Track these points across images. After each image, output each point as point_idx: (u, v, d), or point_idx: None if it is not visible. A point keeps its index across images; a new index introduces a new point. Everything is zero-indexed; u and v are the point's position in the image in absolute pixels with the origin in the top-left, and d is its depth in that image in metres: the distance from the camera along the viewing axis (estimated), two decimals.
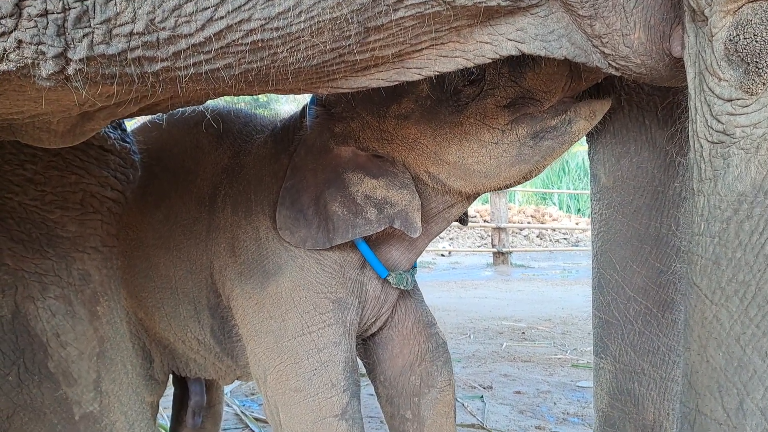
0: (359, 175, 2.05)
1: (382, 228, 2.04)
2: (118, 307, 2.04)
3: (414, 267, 2.31)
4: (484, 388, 4.35)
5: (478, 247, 13.88)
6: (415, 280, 2.33)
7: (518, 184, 2.06)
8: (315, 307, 2.10)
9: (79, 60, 1.12)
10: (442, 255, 13.29)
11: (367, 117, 2.04)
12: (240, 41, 1.20)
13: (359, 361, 2.32)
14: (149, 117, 2.64)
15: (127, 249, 2.42)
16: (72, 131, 1.49)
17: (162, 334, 2.53)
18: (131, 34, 1.14)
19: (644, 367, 2.10)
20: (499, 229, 11.65)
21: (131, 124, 2.51)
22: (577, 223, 15.07)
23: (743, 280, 1.30)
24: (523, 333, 6.05)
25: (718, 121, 1.30)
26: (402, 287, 2.22)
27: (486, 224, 12.80)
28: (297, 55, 1.26)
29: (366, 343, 2.43)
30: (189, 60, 1.19)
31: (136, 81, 1.20)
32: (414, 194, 2.03)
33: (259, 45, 1.21)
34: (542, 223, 14.88)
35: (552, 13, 1.41)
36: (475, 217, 14.58)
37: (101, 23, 1.12)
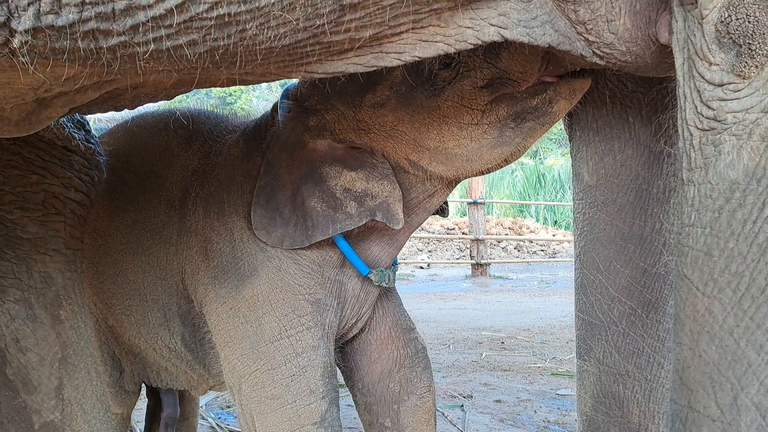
0: (337, 168, 1.99)
1: (364, 222, 1.98)
2: (82, 312, 1.95)
3: (395, 264, 2.25)
4: (465, 397, 4.29)
5: (457, 259, 13.86)
6: (395, 278, 2.26)
7: (499, 167, 2.01)
8: (293, 309, 2.03)
9: (25, 31, 1.03)
10: (421, 267, 13.25)
11: (342, 108, 1.99)
12: (204, 15, 1.12)
13: (337, 370, 2.24)
14: (118, 119, 2.57)
15: (95, 255, 2.35)
16: (27, 119, 1.40)
17: (132, 342, 2.45)
18: (83, 3, 1.04)
19: (629, 369, 2.05)
20: (477, 240, 11.64)
21: (96, 124, 2.43)
22: (554, 235, 15.13)
23: (736, 271, 1.25)
24: (503, 343, 6.00)
25: (709, 108, 1.25)
26: (384, 284, 2.16)
27: (464, 236, 12.79)
28: (267, 32, 1.18)
29: (344, 349, 2.37)
30: (149, 35, 1.10)
31: (90, 57, 1.10)
32: (395, 185, 1.98)
33: (226, 20, 1.13)
34: (520, 234, 14.90)
35: None
36: (453, 229, 14.58)
37: None
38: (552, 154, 23.20)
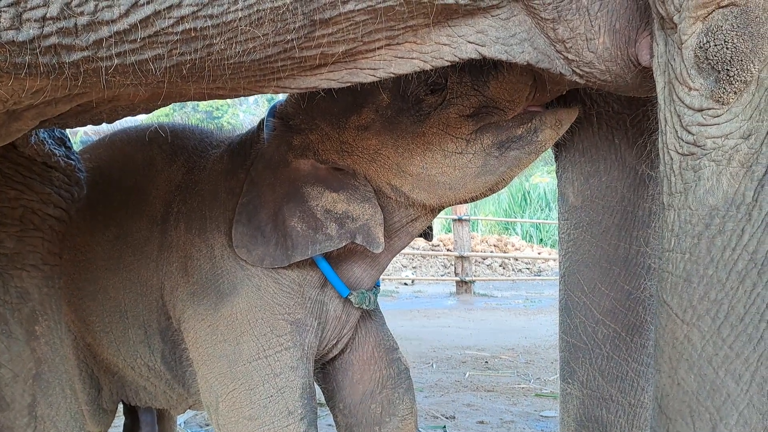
0: (319, 188, 1.98)
1: (344, 244, 1.96)
2: (58, 328, 1.93)
3: (377, 285, 2.23)
4: (447, 418, 4.26)
5: (441, 276, 13.83)
6: (377, 300, 2.24)
7: (483, 196, 2.00)
8: (272, 329, 2.01)
9: None
10: (405, 284, 13.21)
11: (327, 128, 1.97)
12: (170, 30, 1.10)
13: (317, 389, 2.22)
14: (104, 131, 2.55)
15: (75, 271, 2.32)
16: None
17: (111, 360, 2.41)
18: (44, 18, 1.03)
19: (612, 393, 2.04)
20: (462, 258, 11.62)
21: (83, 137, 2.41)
22: (539, 253, 15.12)
23: (715, 299, 1.25)
24: (486, 362, 5.98)
25: (689, 132, 1.25)
26: (364, 307, 2.15)
27: (449, 253, 12.76)
28: (236, 47, 1.17)
29: (325, 369, 2.34)
30: (112, 49, 1.08)
31: (53, 72, 1.09)
32: (376, 208, 1.97)
33: (192, 34, 1.12)
34: (505, 252, 14.90)
35: (514, 16, 1.36)
36: (438, 245, 14.55)
37: (8, 6, 1.02)
38: (537, 172, 23.24)
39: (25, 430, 1.80)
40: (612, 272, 2.03)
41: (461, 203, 2.03)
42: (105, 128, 2.44)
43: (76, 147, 2.21)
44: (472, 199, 2.00)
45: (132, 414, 2.85)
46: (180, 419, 4.00)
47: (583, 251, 2.08)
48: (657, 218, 1.41)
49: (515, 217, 17.85)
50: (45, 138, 1.87)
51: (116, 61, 1.10)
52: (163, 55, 1.13)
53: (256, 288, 2.02)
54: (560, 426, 2.22)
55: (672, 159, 1.29)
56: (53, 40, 1.05)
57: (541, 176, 21.73)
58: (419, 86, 1.84)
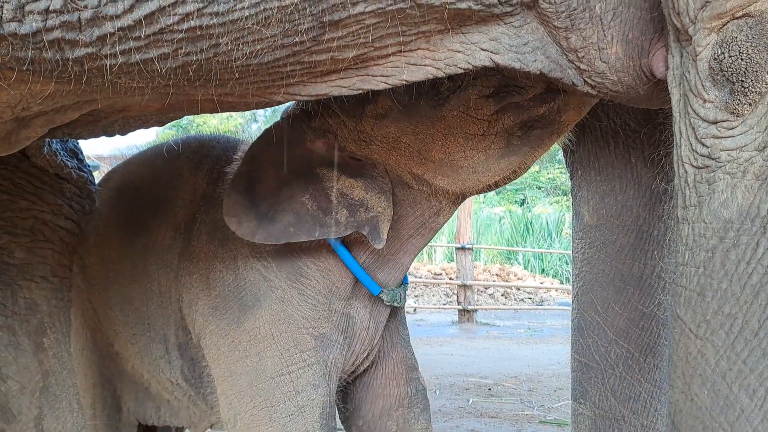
0: (336, 171, 1.92)
1: (348, 232, 1.90)
2: (66, 341, 1.92)
3: (404, 283, 2.17)
4: None
5: (444, 304, 13.77)
6: (406, 297, 2.20)
7: (505, 182, 1.95)
8: (295, 343, 1.96)
9: None
10: (408, 312, 13.14)
11: (344, 117, 1.92)
12: (175, 27, 1.09)
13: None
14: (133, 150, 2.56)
15: (105, 282, 2.31)
16: (6, 139, 1.37)
17: (135, 372, 2.39)
18: (47, 11, 1.02)
19: (625, 414, 2.02)
20: (464, 286, 11.57)
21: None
22: (542, 283, 15.06)
23: (729, 313, 1.24)
24: (490, 389, 5.94)
25: (703, 145, 1.25)
26: (395, 304, 2.10)
27: (451, 281, 12.72)
28: (243, 48, 1.16)
29: (347, 387, 2.28)
30: (117, 47, 1.07)
31: (57, 68, 1.07)
32: (389, 203, 1.92)
33: (198, 33, 1.11)
34: (507, 281, 14.85)
35: (527, 24, 1.36)
36: (440, 274, 14.51)
37: None
38: (540, 203, 23.28)
39: None
40: (626, 292, 2.01)
41: (484, 190, 1.97)
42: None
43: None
44: (495, 185, 1.94)
45: None
46: None
47: (597, 270, 2.07)
48: (671, 232, 1.41)
49: (517, 247, 17.81)
50: (58, 149, 1.88)
51: (121, 59, 1.09)
52: (169, 54, 1.12)
53: (279, 300, 1.97)
54: None
55: (686, 172, 1.29)
56: (56, 34, 1.04)
57: (544, 207, 21.77)
58: None
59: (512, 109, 1.80)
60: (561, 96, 1.79)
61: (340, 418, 2.32)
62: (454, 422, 4.76)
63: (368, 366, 2.24)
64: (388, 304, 2.09)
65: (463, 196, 2.02)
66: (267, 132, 2.02)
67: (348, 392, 2.30)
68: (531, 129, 1.81)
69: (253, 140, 2.04)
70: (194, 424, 2.48)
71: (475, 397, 5.58)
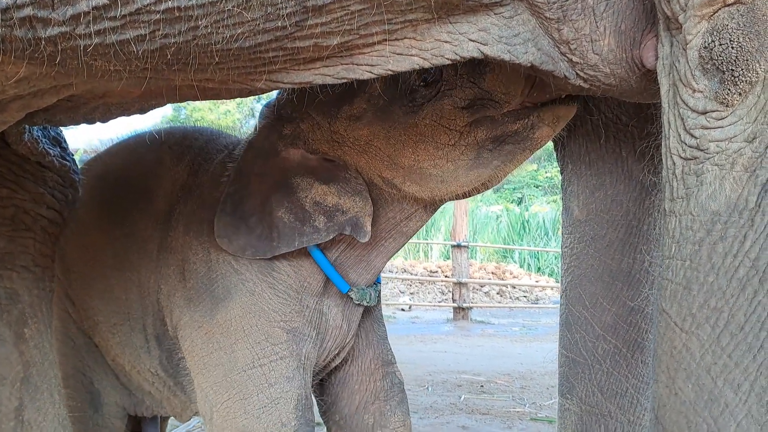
0: (308, 179, 1.96)
1: (331, 236, 1.94)
2: (48, 331, 1.89)
3: (377, 282, 2.20)
4: None
5: (439, 302, 13.76)
6: (378, 297, 2.22)
7: (476, 192, 1.97)
8: (267, 337, 1.97)
9: None
10: (403, 309, 13.12)
11: (318, 118, 1.95)
12: (152, 8, 1.06)
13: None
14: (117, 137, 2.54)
15: (85, 269, 2.30)
16: None
17: (117, 362, 2.38)
18: None
19: (611, 410, 2.01)
20: (459, 284, 11.56)
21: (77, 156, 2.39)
22: (537, 281, 15.06)
23: (715, 307, 1.22)
24: (482, 386, 5.93)
25: (692, 136, 1.23)
26: (365, 303, 2.12)
27: (447, 279, 12.72)
28: (223, 32, 1.13)
29: (324, 381, 2.31)
30: (91, 26, 1.04)
31: (29, 48, 1.04)
32: (367, 200, 1.94)
33: (175, 14, 1.08)
34: (503, 280, 14.84)
35: (517, 15, 1.33)
36: (436, 272, 14.51)
37: None
38: (537, 201, 23.27)
39: None
40: (614, 287, 2.00)
41: (453, 198, 1.99)
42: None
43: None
44: (464, 195, 1.96)
45: (135, 426, 2.79)
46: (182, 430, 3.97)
47: (586, 266, 2.06)
48: (658, 225, 1.38)
49: (513, 245, 17.80)
50: (39, 137, 1.85)
51: (96, 39, 1.06)
52: (146, 36, 1.09)
53: (250, 293, 1.98)
54: None
55: (674, 164, 1.27)
56: (27, 11, 1.01)
57: (541, 206, 21.76)
58: (413, 77, 1.81)
59: (486, 123, 1.81)
60: (535, 113, 1.82)
61: (319, 412, 2.32)
62: (445, 418, 4.75)
63: (344, 363, 2.26)
64: (357, 302, 2.11)
65: (434, 204, 2.04)
66: (250, 144, 2.05)
67: (325, 386, 2.31)
68: (503, 143, 1.82)
69: (240, 152, 2.07)
70: (177, 414, 2.48)
71: (467, 394, 5.57)
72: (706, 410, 1.23)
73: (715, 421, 1.22)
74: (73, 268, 2.33)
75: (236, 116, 24.60)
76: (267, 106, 2.06)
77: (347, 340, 2.18)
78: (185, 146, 2.29)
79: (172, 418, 2.76)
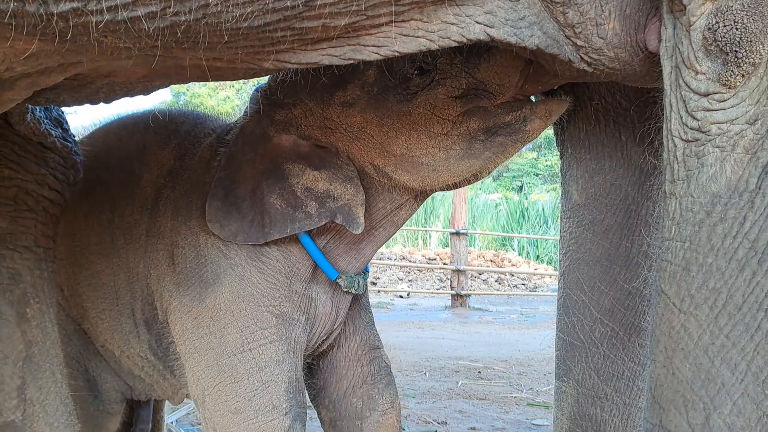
0: (300, 165, 1.96)
1: (323, 222, 1.95)
2: (50, 311, 1.90)
3: (365, 271, 2.21)
4: (439, 423, 4.24)
5: (437, 289, 13.80)
6: (366, 285, 2.23)
7: (466, 183, 1.97)
8: (256, 321, 1.98)
9: None
10: (401, 296, 13.17)
11: (311, 104, 1.95)
12: None
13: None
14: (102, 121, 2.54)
15: (71, 256, 2.30)
16: None
17: (106, 348, 2.38)
18: None
19: (608, 392, 2.02)
20: (458, 271, 11.58)
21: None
22: (535, 269, 15.11)
23: (714, 287, 1.24)
24: (480, 372, 5.95)
25: (694, 118, 1.24)
26: (353, 291, 2.13)
27: (445, 267, 12.74)
28: (233, 11, 1.13)
29: (312, 366, 2.33)
30: (103, 2, 1.04)
31: (40, 23, 1.04)
32: (358, 188, 1.95)
33: None
34: (501, 267, 14.87)
35: None
36: (435, 259, 14.54)
37: None
38: (537, 190, 23.29)
39: (13, 413, 1.77)
40: (612, 271, 2.01)
41: (444, 188, 1.99)
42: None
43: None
44: (455, 185, 1.96)
45: (128, 408, 2.81)
46: (172, 417, 3.98)
47: (585, 249, 2.07)
48: (658, 207, 1.40)
49: (512, 233, 17.83)
50: (41, 117, 1.85)
51: (107, 16, 1.06)
52: (157, 13, 1.09)
53: (239, 278, 1.99)
54: (554, 424, 2.20)
55: (676, 146, 1.28)
56: None
57: (540, 194, 21.78)
58: (408, 65, 1.81)
59: (479, 113, 1.82)
60: (528, 105, 1.82)
61: (308, 396, 2.34)
62: (443, 403, 4.78)
63: (332, 348, 2.28)
64: (345, 290, 2.12)
65: (424, 193, 2.05)
66: (242, 129, 2.04)
67: (314, 371, 2.33)
68: (495, 135, 1.83)
69: (231, 136, 2.06)
70: (170, 397, 2.50)
71: (464, 380, 5.60)
72: (703, 389, 1.24)
73: (711, 400, 1.24)
74: (59, 256, 2.33)
75: (235, 102, 24.57)
76: (257, 90, 2.05)
77: (335, 326, 2.20)
78: (171, 130, 2.28)
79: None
